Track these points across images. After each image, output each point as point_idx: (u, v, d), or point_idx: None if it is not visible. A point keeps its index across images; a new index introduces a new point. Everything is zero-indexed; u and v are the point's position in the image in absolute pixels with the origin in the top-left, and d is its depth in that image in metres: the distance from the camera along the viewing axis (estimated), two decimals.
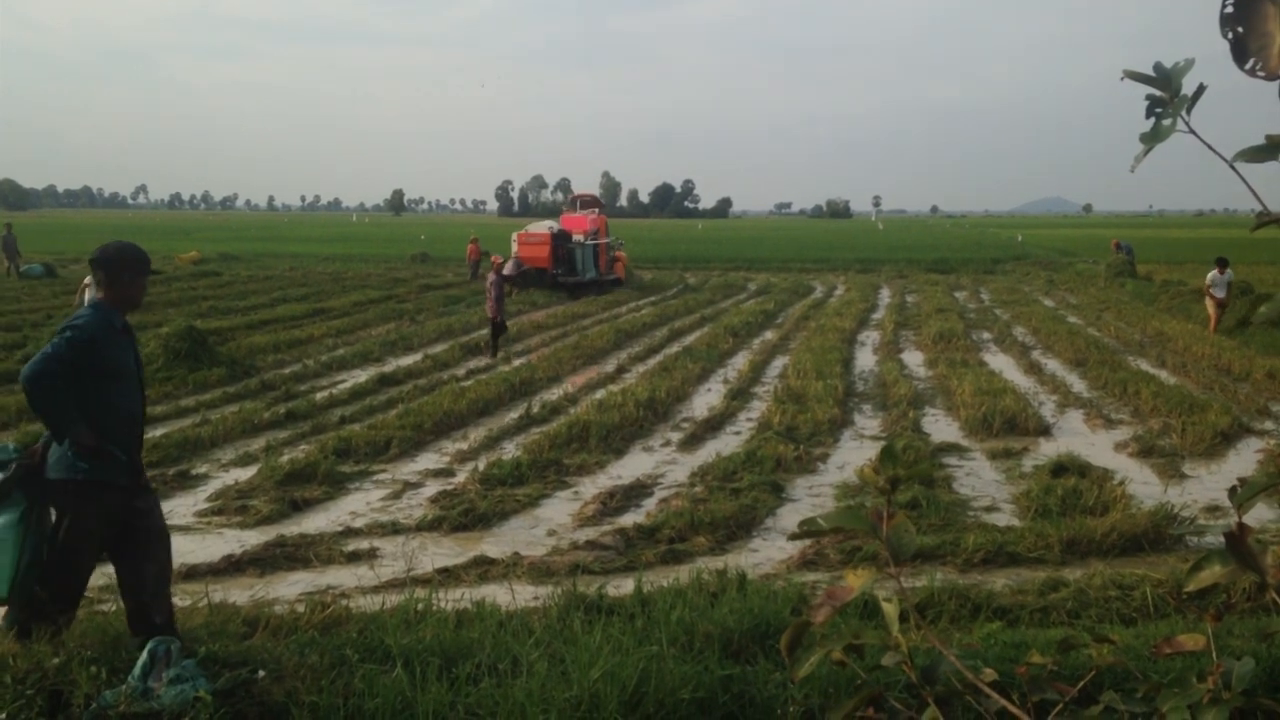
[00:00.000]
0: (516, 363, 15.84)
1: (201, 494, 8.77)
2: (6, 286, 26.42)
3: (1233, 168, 1.35)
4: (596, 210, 33.78)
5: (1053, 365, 16.09)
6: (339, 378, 14.74)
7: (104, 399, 4.47)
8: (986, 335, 19.87)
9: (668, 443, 10.90)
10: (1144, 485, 9.16)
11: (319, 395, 13.07)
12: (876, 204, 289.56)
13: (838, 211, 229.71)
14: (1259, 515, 7.93)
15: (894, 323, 21.42)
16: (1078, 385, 14.23)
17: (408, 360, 16.18)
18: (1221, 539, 1.46)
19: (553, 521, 8.15)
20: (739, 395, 13.36)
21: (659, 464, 10.02)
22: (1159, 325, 19.76)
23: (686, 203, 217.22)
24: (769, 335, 20.00)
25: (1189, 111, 1.38)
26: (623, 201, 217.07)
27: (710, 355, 16.42)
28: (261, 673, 4.04)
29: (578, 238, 29.88)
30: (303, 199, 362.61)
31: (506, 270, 23.20)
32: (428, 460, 10.08)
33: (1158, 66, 1.41)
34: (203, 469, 9.56)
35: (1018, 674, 1.69)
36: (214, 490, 8.82)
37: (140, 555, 4.51)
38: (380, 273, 35.40)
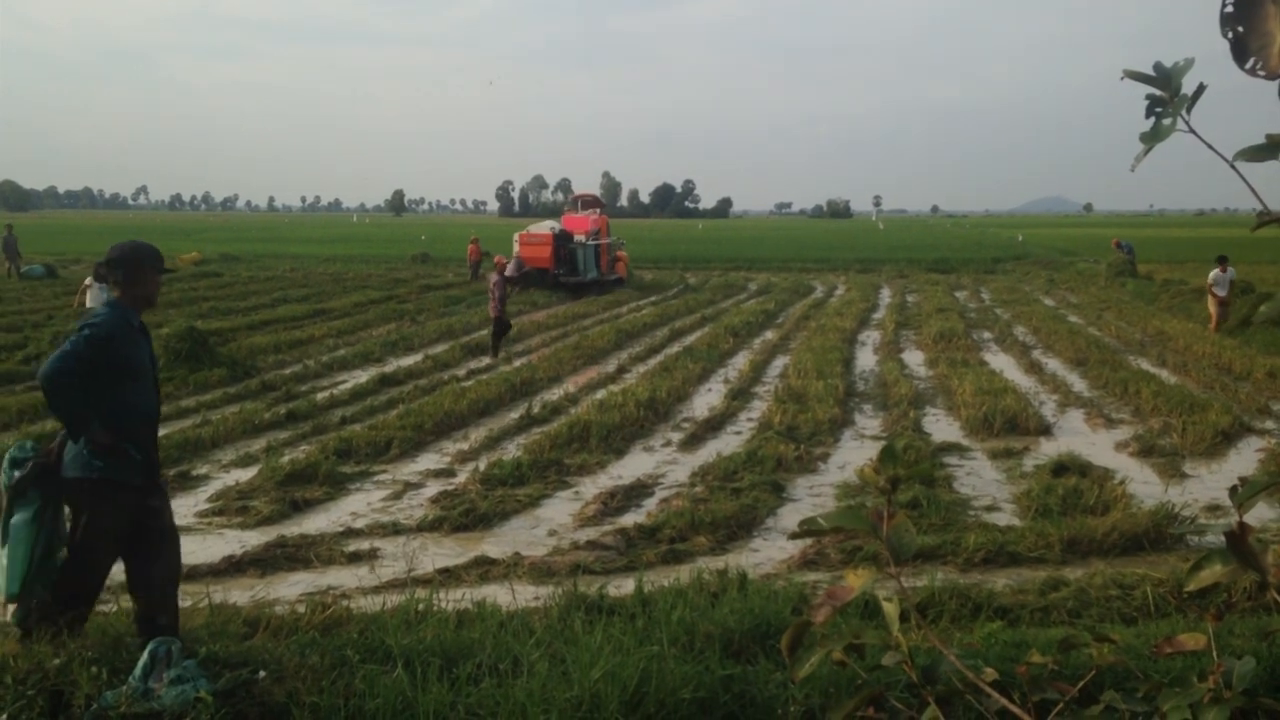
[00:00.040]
0: (517, 363, 15.85)
1: (202, 494, 8.78)
2: (7, 288, 26.45)
3: (1233, 167, 1.35)
4: (598, 210, 33.81)
5: (1053, 365, 16.08)
6: (340, 378, 14.74)
7: (121, 397, 4.49)
8: (987, 335, 19.87)
9: (668, 443, 10.90)
10: (1145, 485, 9.15)
11: (320, 396, 13.08)
12: (877, 204, 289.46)
13: (838, 211, 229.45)
14: (1260, 514, 7.92)
15: (894, 322, 21.42)
16: (1078, 385, 14.22)
17: (408, 360, 16.18)
18: (1222, 538, 1.46)
19: (553, 521, 8.15)
20: (739, 395, 13.37)
21: (660, 464, 10.02)
22: (1159, 324, 19.76)
23: (687, 203, 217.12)
24: (769, 335, 20.00)
25: (1189, 111, 1.38)
26: (623, 201, 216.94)
27: (711, 355, 16.42)
28: (262, 673, 4.05)
29: (579, 238, 29.90)
30: (303, 199, 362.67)
31: (508, 270, 23.20)
32: (428, 460, 10.08)
33: (1158, 66, 1.41)
34: (203, 469, 9.57)
35: (1018, 673, 1.69)
36: (215, 491, 8.83)
37: (150, 555, 4.53)
38: (381, 273, 35.39)
